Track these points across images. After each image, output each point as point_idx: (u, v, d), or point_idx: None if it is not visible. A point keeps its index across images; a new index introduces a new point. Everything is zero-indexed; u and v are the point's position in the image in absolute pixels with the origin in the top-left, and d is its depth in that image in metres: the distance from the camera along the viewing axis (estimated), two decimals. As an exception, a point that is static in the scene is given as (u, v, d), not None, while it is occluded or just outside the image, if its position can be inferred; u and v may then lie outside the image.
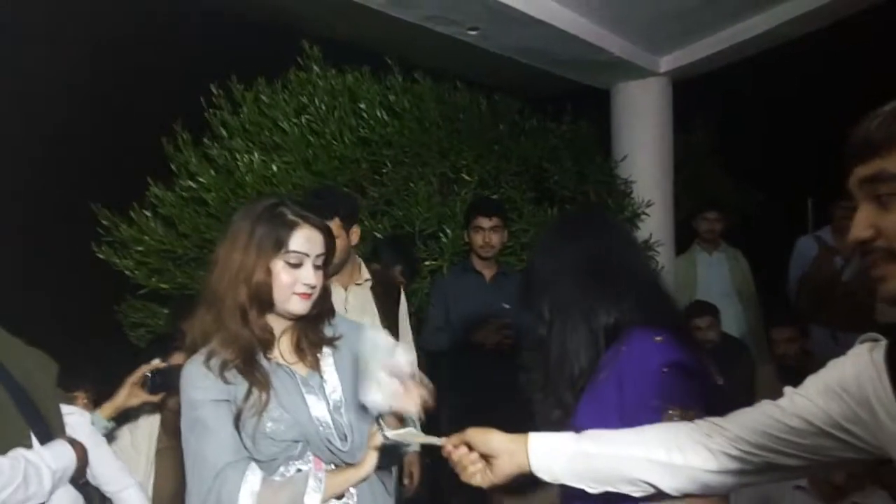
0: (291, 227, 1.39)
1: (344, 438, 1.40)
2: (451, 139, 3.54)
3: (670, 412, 1.15)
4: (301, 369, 1.44)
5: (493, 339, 2.97)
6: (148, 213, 3.33)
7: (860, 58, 5.14)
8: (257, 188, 3.19)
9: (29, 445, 1.55)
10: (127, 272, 3.31)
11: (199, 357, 1.40)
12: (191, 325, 1.46)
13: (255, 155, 3.24)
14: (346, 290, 2.49)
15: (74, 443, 1.69)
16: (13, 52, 3.77)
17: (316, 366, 1.45)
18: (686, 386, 1.18)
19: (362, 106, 3.39)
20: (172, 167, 3.38)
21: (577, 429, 1.22)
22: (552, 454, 1.12)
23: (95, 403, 2.20)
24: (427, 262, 3.31)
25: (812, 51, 4.45)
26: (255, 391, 1.35)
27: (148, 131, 3.45)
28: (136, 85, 4.24)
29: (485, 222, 3.04)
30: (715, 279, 4.01)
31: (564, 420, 1.28)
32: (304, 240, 1.39)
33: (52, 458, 1.55)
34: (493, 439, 1.15)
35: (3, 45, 3.64)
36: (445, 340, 3.09)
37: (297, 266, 1.39)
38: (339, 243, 2.01)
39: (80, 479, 1.71)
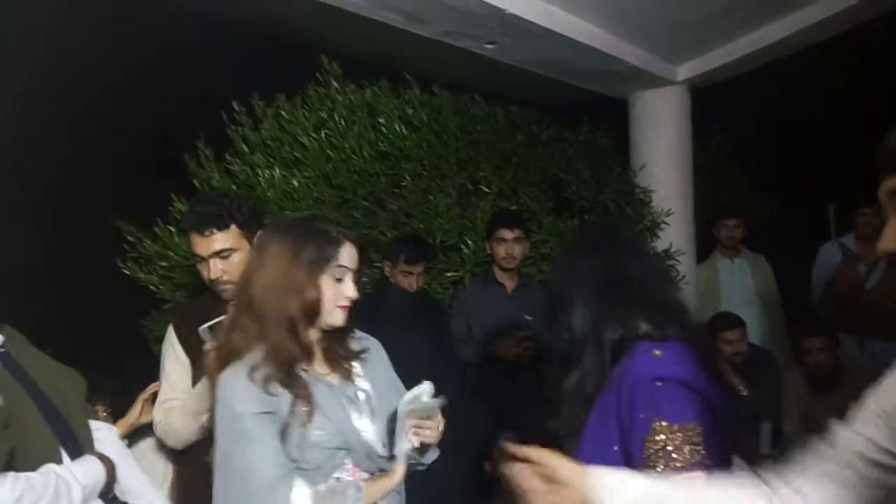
0: (338, 243, 1.45)
1: (384, 446, 1.46)
2: (469, 151, 3.56)
3: (656, 425, 1.17)
4: (335, 380, 1.49)
5: (513, 352, 2.98)
6: (172, 229, 3.38)
7: (878, 64, 5.09)
8: (278, 203, 3.22)
9: (59, 461, 1.57)
10: (151, 287, 3.36)
11: (240, 369, 1.41)
12: (227, 338, 1.48)
13: (276, 170, 3.28)
14: None
15: (103, 458, 1.72)
16: (38, 71, 3.86)
17: (348, 377, 1.50)
18: (679, 401, 1.19)
19: (381, 120, 3.43)
20: (195, 183, 3.43)
21: (584, 442, 1.26)
22: (618, 490, 1.05)
23: (116, 416, 2.24)
24: (449, 274, 3.33)
25: (830, 57, 4.42)
26: (300, 402, 1.39)
27: (171, 148, 3.50)
28: (160, 103, 4.32)
29: (507, 234, 3.06)
30: (738, 286, 3.98)
31: (579, 430, 1.30)
32: (347, 255, 1.47)
33: (83, 474, 1.58)
34: (567, 467, 1.03)
35: (28, 65, 3.73)
36: (467, 351, 3.11)
37: (340, 280, 1.46)
38: (240, 256, 1.81)
39: (108, 494, 1.74)
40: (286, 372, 1.40)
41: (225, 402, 1.40)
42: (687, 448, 1.15)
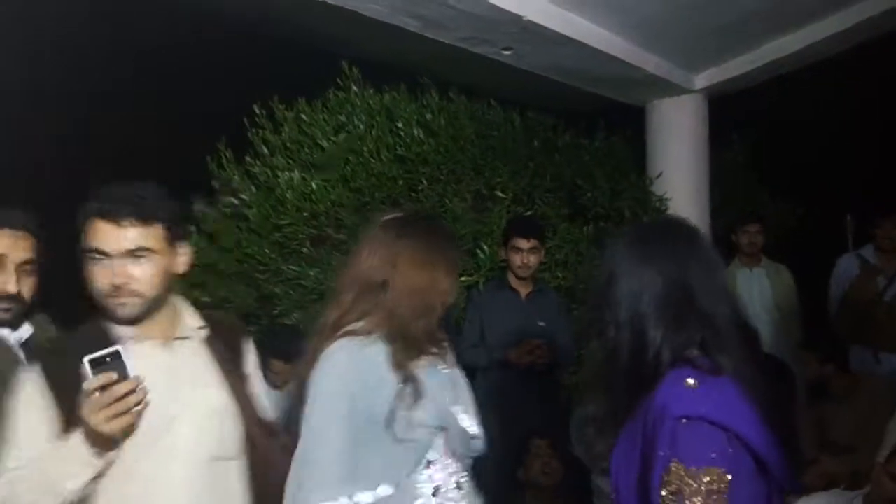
0: (460, 248, 1.65)
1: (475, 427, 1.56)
2: (486, 156, 3.58)
3: (672, 466, 1.09)
4: (436, 363, 1.57)
5: (526, 360, 2.99)
6: (192, 228, 3.43)
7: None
8: (297, 205, 3.26)
9: None
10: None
11: (358, 344, 1.48)
12: (339, 317, 1.53)
13: (296, 172, 3.32)
14: (163, 346, 1.48)
15: None
16: (59, 70, 3.93)
17: (444, 361, 1.59)
18: (702, 442, 1.09)
19: (399, 124, 3.46)
20: (215, 184, 3.48)
21: (613, 470, 1.20)
22: None
23: None
24: (463, 278, 3.35)
25: (849, 67, 4.40)
26: (411, 384, 1.47)
27: (193, 150, 3.56)
28: (182, 105, 4.38)
29: (523, 244, 3.07)
30: (756, 296, 3.95)
31: (606, 455, 1.25)
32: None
33: None
34: None
35: (48, 64, 3.80)
36: (480, 357, 3.11)
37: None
38: (157, 264, 1.41)
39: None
40: (413, 355, 1.49)
41: (329, 374, 1.46)
42: (700, 497, 1.06)
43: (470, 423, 1.55)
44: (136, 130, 4.43)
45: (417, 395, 1.45)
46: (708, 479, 1.07)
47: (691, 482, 1.07)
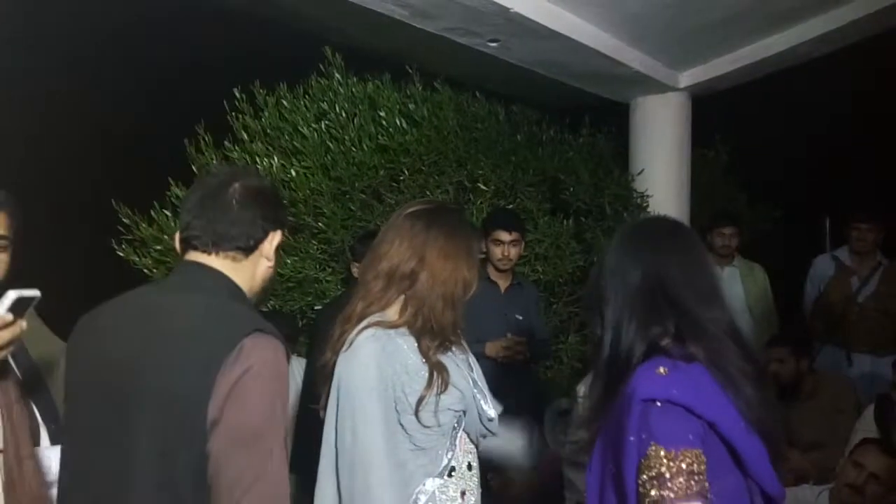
0: (479, 237, 1.68)
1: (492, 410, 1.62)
2: (469, 148, 3.57)
3: (651, 450, 1.09)
4: (457, 350, 1.64)
5: (503, 354, 2.99)
6: (168, 213, 3.38)
7: (879, 78, 5.11)
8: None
9: (38, 443, 1.55)
10: (146, 270, 3.36)
11: (399, 337, 1.53)
12: (363, 305, 1.58)
13: (275, 159, 3.28)
14: None
15: None
16: (39, 53, 3.84)
17: (460, 348, 1.65)
18: (677, 425, 1.10)
19: (382, 114, 3.43)
20: (194, 168, 3.43)
21: (590, 467, 1.22)
22: None
23: None
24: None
25: (830, 71, 4.44)
26: (439, 372, 1.52)
27: (171, 133, 3.50)
28: (161, 88, 4.31)
29: (505, 236, 3.06)
30: (727, 295, 3.97)
31: (587, 448, 1.26)
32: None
33: (56, 461, 1.56)
34: None
35: (29, 46, 3.71)
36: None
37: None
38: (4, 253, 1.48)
39: None
40: (441, 345, 1.55)
41: (362, 366, 1.50)
42: (682, 478, 1.06)
43: (487, 406, 1.62)
44: (114, 113, 4.35)
45: (446, 382, 1.52)
46: (689, 459, 1.08)
47: (671, 464, 1.07)
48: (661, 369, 1.14)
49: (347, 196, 3.35)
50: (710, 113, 4.49)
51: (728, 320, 1.24)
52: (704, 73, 4.13)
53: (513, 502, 2.84)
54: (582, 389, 2.88)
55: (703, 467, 1.08)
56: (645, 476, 1.09)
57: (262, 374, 1.15)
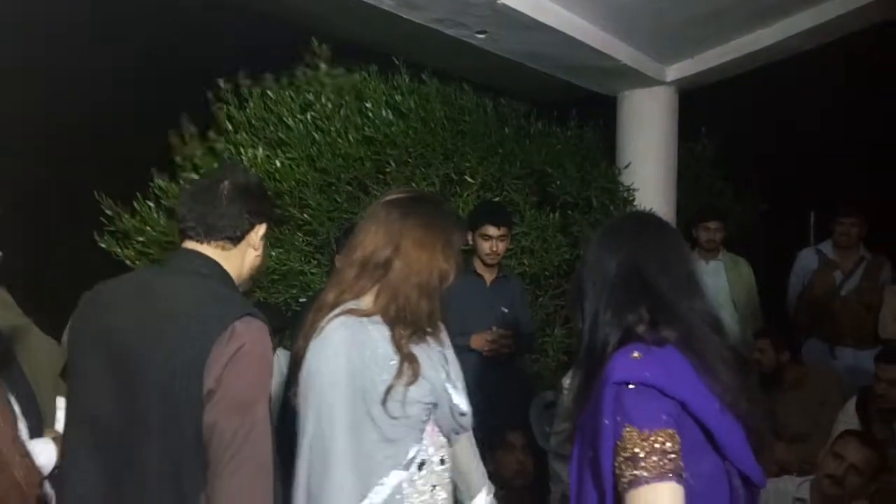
0: (461, 226, 1.66)
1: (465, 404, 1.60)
2: (456, 141, 3.55)
3: (625, 432, 1.10)
4: (432, 342, 1.61)
5: (488, 347, 2.99)
6: (151, 204, 3.34)
7: (866, 73, 5.15)
8: (261, 183, 3.19)
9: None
10: (128, 262, 3.33)
11: (359, 322, 1.51)
12: (336, 294, 1.56)
13: (260, 150, 3.26)
14: None
15: (59, 439, 1.69)
16: (21, 43, 3.78)
17: (439, 340, 1.63)
18: (650, 406, 1.11)
19: (368, 105, 3.41)
20: (177, 159, 3.40)
21: (574, 455, 1.21)
22: None
23: None
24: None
25: (819, 64, 4.46)
26: (409, 363, 1.50)
27: (155, 123, 3.46)
28: (144, 77, 4.26)
29: (493, 231, 3.05)
30: (710, 288, 3.97)
31: (569, 438, 1.28)
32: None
33: (36, 454, 1.54)
34: None
35: (10, 36, 3.65)
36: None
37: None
38: None
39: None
40: (415, 335, 1.53)
41: (330, 354, 1.48)
42: (656, 456, 1.07)
43: (459, 399, 1.60)
44: (96, 103, 4.30)
45: (416, 373, 1.49)
46: (661, 438, 1.08)
47: (645, 444, 1.08)
48: (635, 354, 1.15)
49: (333, 188, 3.33)
50: (697, 107, 4.50)
51: (706, 309, 1.25)
52: (691, 66, 4.13)
53: (503, 487, 2.86)
54: (567, 382, 2.89)
55: (677, 447, 1.09)
56: (620, 458, 1.10)
57: (252, 351, 1.32)
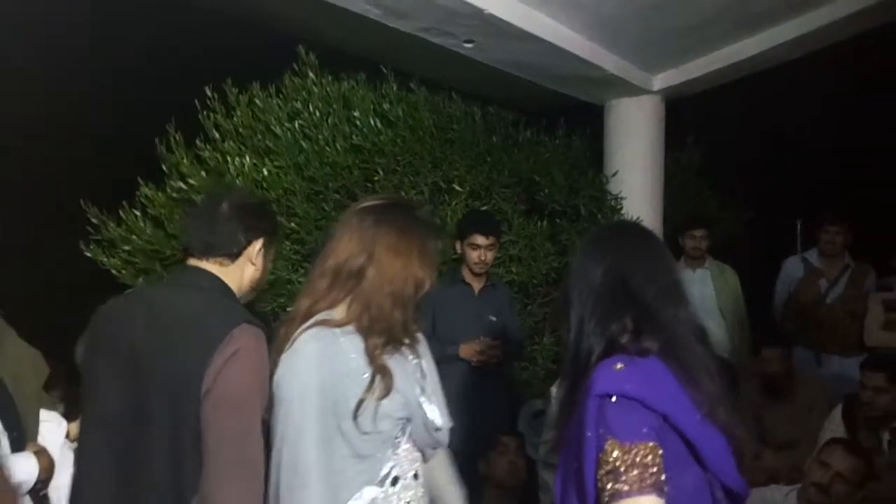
0: (437, 235, 1.62)
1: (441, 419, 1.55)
2: (444, 149, 3.55)
3: (608, 445, 1.09)
4: (407, 353, 1.56)
5: (477, 357, 2.99)
6: (137, 213, 3.32)
7: (851, 82, 5.21)
8: (248, 192, 3.18)
9: None
10: (114, 271, 3.30)
11: (343, 337, 1.46)
12: (309, 304, 1.52)
13: (247, 158, 3.24)
14: None
15: (41, 453, 1.67)
16: (4, 50, 3.75)
17: (415, 351, 1.57)
18: (631, 418, 1.10)
19: (356, 113, 3.41)
20: (164, 168, 3.37)
21: (559, 466, 1.21)
22: None
23: (69, 404, 2.17)
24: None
25: (804, 73, 4.51)
26: (381, 376, 1.45)
27: (141, 131, 3.44)
28: (131, 85, 4.24)
29: (482, 240, 3.05)
30: (697, 296, 4.00)
31: (555, 448, 1.28)
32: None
33: (17, 470, 1.53)
34: None
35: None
36: (431, 350, 3.10)
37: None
38: None
39: (41, 491, 1.70)
40: (389, 346, 1.48)
41: (300, 368, 1.44)
42: (637, 470, 1.07)
43: (435, 414, 1.55)
44: (84, 110, 4.27)
45: (388, 387, 1.44)
46: (643, 452, 1.08)
47: (626, 457, 1.08)
48: (618, 365, 1.15)
49: (321, 196, 3.32)
50: (684, 115, 4.54)
51: (690, 318, 1.25)
52: (677, 76, 4.16)
53: (497, 487, 2.85)
54: (555, 390, 2.89)
55: (658, 460, 1.08)
56: (602, 470, 1.10)
57: (248, 355, 1.41)
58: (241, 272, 1.61)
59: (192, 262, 1.59)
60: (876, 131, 5.37)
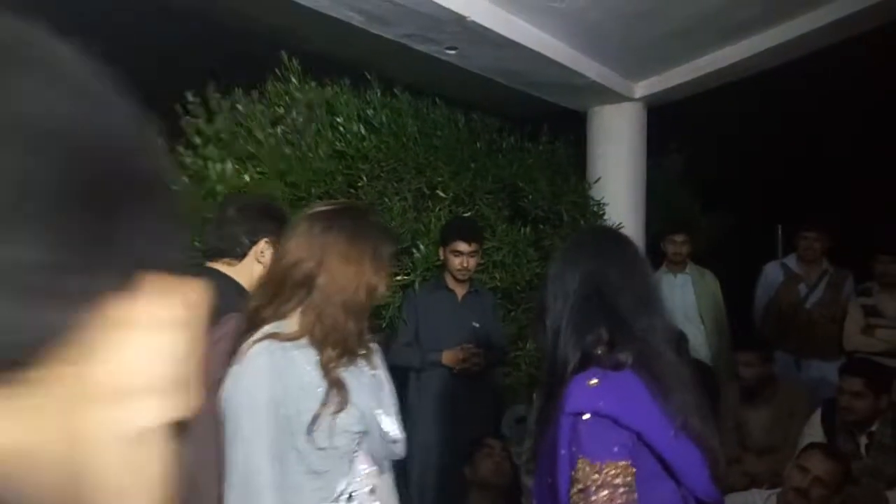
0: (392, 241, 1.57)
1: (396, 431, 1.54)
2: (428, 155, 3.56)
3: (579, 463, 1.09)
4: (361, 364, 1.54)
5: (460, 365, 2.99)
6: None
7: (831, 89, 5.28)
8: (230, 198, 3.16)
9: None
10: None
11: (295, 350, 1.42)
12: (257, 313, 1.47)
13: (229, 164, 3.22)
14: None
15: None
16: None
17: (370, 362, 1.55)
18: (603, 437, 1.10)
19: (339, 119, 3.40)
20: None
21: (536, 477, 1.21)
22: None
23: None
24: (399, 277, 3.31)
25: (784, 81, 4.57)
26: (336, 390, 1.42)
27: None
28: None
29: (464, 247, 3.05)
30: (679, 301, 4.04)
31: (533, 455, 1.28)
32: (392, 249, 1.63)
33: None
34: None
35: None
36: (414, 357, 3.10)
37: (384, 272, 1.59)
38: None
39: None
40: (343, 358, 1.45)
41: (251, 384, 1.39)
42: (607, 490, 1.07)
43: (391, 426, 1.52)
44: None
45: (344, 400, 1.40)
46: (613, 472, 1.08)
47: (596, 477, 1.08)
48: (593, 381, 1.14)
49: (303, 202, 3.30)
50: (666, 122, 4.58)
51: (665, 327, 1.24)
52: (659, 83, 4.20)
53: (483, 489, 2.84)
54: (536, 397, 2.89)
55: (629, 479, 1.08)
56: (574, 489, 1.10)
57: (225, 348, 1.46)
58: (249, 271, 1.78)
59: (209, 264, 1.79)
60: (854, 137, 5.45)
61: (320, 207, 1.54)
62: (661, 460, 1.14)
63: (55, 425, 0.30)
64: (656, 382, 1.16)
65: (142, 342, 0.32)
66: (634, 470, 1.09)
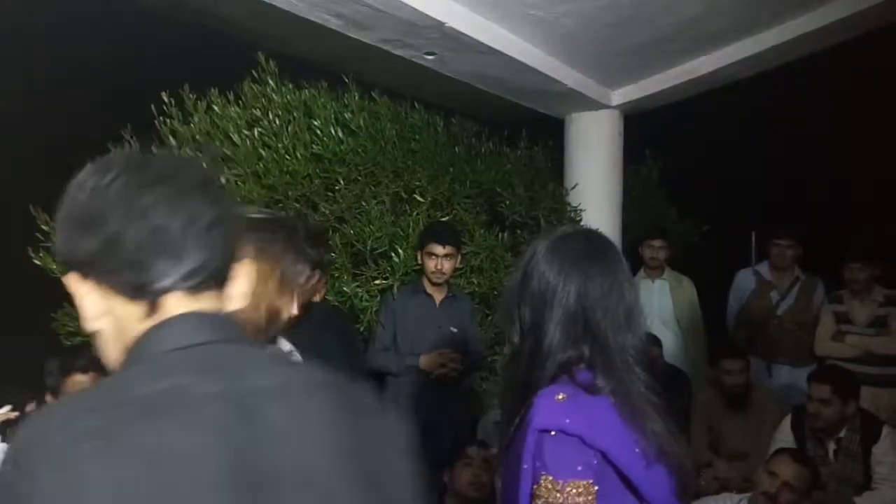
0: (314, 266, 1.47)
1: None
2: (406, 159, 3.55)
3: (542, 480, 1.09)
4: None
5: (438, 370, 2.99)
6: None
7: (806, 98, 5.38)
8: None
9: None
10: (63, 279, 3.20)
11: None
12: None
13: (204, 166, 3.18)
14: None
15: None
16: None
17: None
18: (567, 455, 1.09)
19: (317, 122, 3.38)
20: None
21: (503, 485, 1.19)
22: None
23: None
24: (377, 282, 3.30)
25: (759, 90, 4.64)
26: None
27: (95, 136, 3.36)
28: (85, 88, 4.14)
29: (439, 250, 3.05)
30: (655, 307, 4.09)
31: (498, 468, 1.27)
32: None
33: None
34: None
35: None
36: (391, 361, 3.09)
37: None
38: None
39: None
40: None
41: None
42: None
43: None
44: (34, 114, 4.15)
45: None
46: (575, 490, 1.07)
47: (558, 495, 1.07)
48: (560, 396, 1.13)
49: (280, 205, 3.28)
50: (642, 129, 4.63)
51: (638, 346, 1.22)
52: (636, 91, 4.25)
53: (459, 499, 2.82)
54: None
55: (590, 498, 1.08)
56: None
57: None
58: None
59: None
60: (828, 146, 5.55)
61: (248, 214, 1.41)
62: (626, 479, 1.13)
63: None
64: (631, 413, 1.14)
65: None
66: (597, 489, 1.09)
